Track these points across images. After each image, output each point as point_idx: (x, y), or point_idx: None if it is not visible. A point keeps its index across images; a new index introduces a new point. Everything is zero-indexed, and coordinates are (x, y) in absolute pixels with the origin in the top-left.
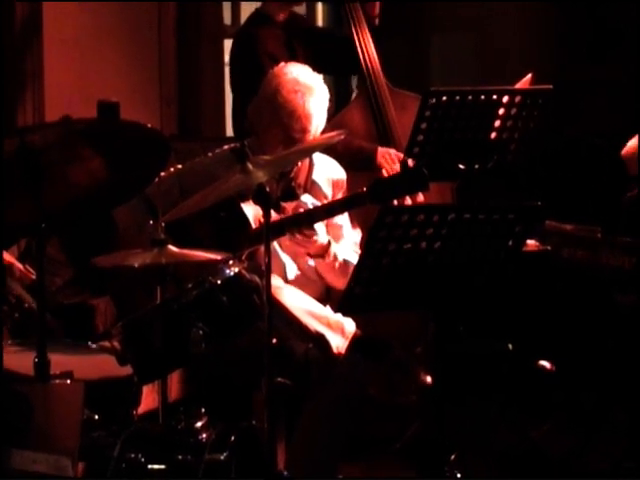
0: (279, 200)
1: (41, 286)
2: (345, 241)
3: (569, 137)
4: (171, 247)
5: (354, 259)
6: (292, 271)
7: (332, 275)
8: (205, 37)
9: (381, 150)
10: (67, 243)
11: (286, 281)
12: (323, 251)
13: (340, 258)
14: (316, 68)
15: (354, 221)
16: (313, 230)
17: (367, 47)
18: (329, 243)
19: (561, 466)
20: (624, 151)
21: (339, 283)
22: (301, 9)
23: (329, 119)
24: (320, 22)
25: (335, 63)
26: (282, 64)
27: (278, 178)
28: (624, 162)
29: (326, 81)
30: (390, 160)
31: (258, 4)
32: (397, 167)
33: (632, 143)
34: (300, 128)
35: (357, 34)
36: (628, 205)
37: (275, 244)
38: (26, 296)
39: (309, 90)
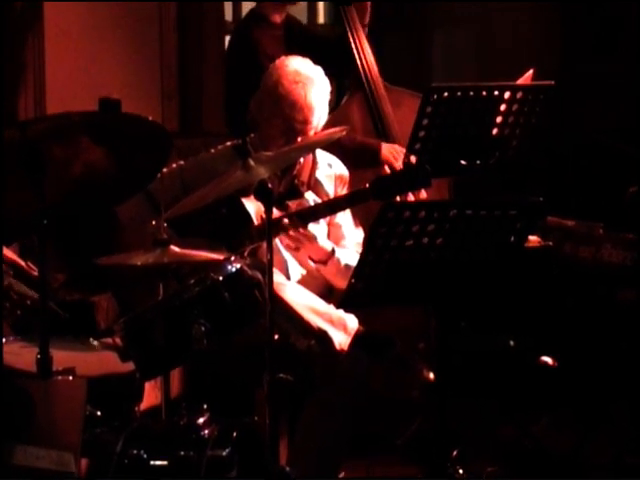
0: (281, 197)
1: (43, 282)
2: (346, 241)
3: (571, 133)
4: (173, 247)
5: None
6: (294, 268)
7: (334, 279)
8: (206, 32)
9: (386, 145)
10: (63, 243)
11: (288, 278)
12: (326, 257)
13: (342, 263)
14: None
15: (356, 220)
16: (310, 232)
17: (363, 48)
18: (333, 251)
19: (563, 461)
20: None
21: (342, 284)
22: (301, 8)
23: (328, 114)
24: (321, 20)
25: (330, 64)
26: (283, 57)
27: (280, 175)
28: None
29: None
30: (397, 155)
31: None
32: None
33: None
34: (302, 119)
35: (352, 35)
36: (630, 201)
37: (277, 241)
38: (29, 292)
39: (310, 81)
